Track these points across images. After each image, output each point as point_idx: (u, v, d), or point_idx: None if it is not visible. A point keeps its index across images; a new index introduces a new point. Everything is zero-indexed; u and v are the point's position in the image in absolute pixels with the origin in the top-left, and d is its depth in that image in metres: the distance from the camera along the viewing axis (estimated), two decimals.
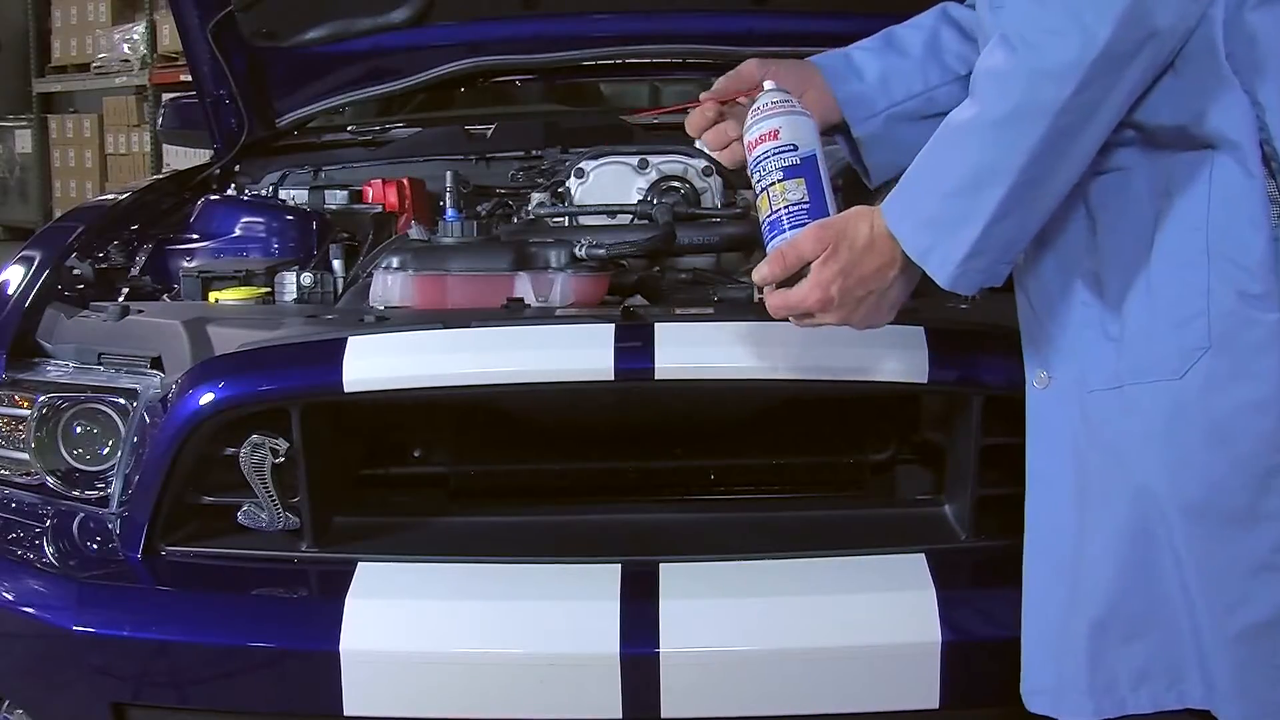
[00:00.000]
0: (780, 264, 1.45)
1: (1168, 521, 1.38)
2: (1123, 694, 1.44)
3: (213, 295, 2.22)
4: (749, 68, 1.65)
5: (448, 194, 2.32)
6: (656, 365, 1.75)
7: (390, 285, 2.02)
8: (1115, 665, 1.43)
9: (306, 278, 2.20)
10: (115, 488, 1.97)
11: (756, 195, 1.54)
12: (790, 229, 1.48)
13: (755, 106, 1.55)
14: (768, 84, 1.58)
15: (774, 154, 1.51)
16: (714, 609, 1.72)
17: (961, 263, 1.38)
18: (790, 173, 1.50)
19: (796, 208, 1.49)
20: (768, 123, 1.53)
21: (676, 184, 2.37)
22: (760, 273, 1.48)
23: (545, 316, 1.95)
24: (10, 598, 1.87)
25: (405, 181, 2.64)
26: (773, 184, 1.50)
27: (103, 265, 2.35)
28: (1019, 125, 1.32)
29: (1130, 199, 1.40)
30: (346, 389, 1.78)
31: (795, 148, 1.51)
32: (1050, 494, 1.49)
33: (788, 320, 1.50)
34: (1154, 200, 1.39)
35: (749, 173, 1.55)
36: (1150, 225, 1.39)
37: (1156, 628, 1.41)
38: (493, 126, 3.11)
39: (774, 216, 1.50)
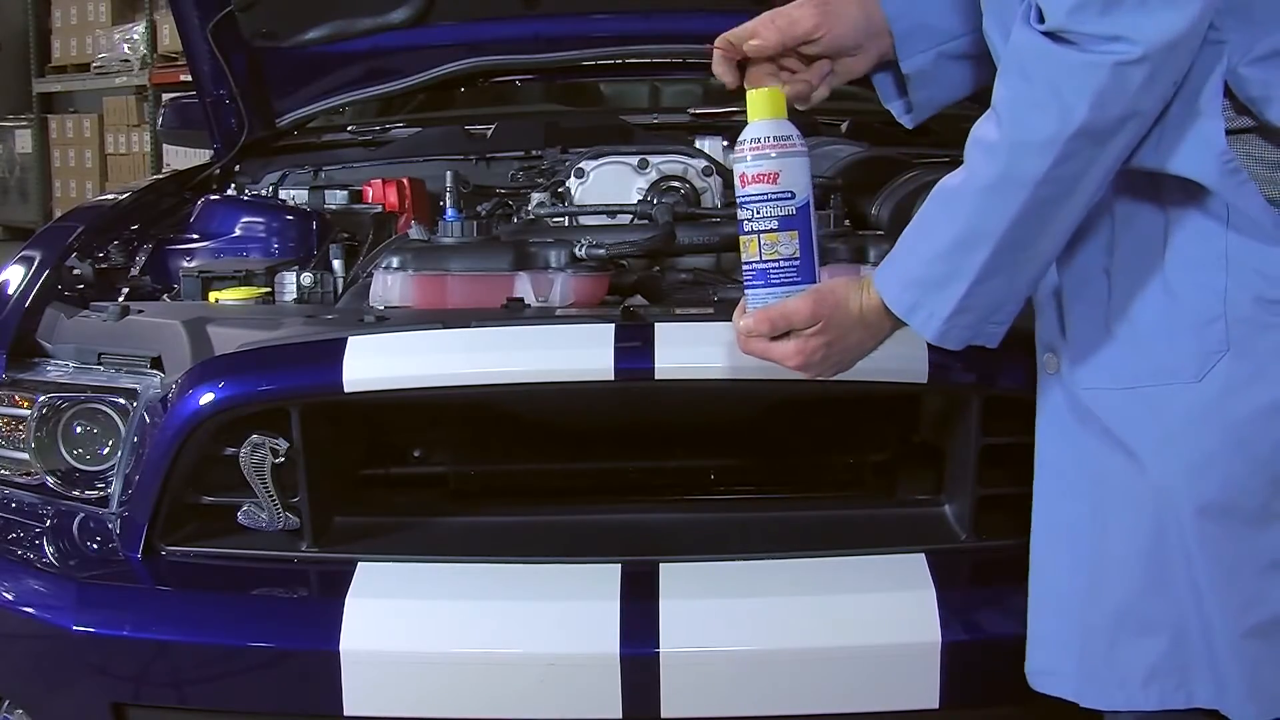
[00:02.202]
0: (768, 326, 1.48)
1: (1181, 522, 1.39)
2: (1133, 689, 1.45)
3: (213, 295, 2.22)
4: (807, 19, 1.57)
5: (448, 194, 2.32)
6: (656, 365, 1.75)
7: (390, 285, 2.02)
8: (1129, 660, 1.44)
9: (306, 278, 2.20)
10: (115, 488, 1.97)
11: (742, 231, 1.52)
12: (778, 286, 1.49)
13: (754, 137, 1.51)
14: (758, 120, 1.52)
15: (769, 200, 1.49)
16: (714, 609, 1.72)
17: (947, 319, 1.42)
18: (785, 224, 1.49)
19: (787, 263, 1.49)
20: (766, 164, 1.49)
21: (676, 184, 2.37)
22: (745, 324, 1.50)
23: (545, 316, 1.95)
24: (10, 598, 1.87)
25: (405, 181, 2.64)
26: (764, 231, 1.50)
27: (103, 265, 2.34)
28: (1002, 193, 1.35)
29: (1146, 202, 1.41)
30: (346, 389, 1.78)
31: (792, 195, 1.49)
32: (1059, 482, 1.50)
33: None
34: (1170, 207, 1.39)
35: (737, 202, 1.52)
36: (1168, 229, 1.39)
37: (1167, 627, 1.42)
38: (493, 126, 3.11)
39: (761, 267, 1.50)
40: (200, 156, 3.38)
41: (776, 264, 1.49)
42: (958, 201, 1.39)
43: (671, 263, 2.21)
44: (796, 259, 1.49)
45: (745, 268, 1.52)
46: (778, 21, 1.57)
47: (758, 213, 1.50)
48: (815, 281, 1.50)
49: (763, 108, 1.53)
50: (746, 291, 1.52)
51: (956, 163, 1.42)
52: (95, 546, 1.96)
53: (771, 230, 1.49)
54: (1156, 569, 1.41)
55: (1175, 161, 1.36)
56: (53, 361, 2.09)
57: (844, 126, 2.97)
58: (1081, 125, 1.30)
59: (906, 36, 1.62)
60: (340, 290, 2.23)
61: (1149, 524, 1.41)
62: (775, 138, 1.50)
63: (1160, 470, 1.40)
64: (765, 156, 1.50)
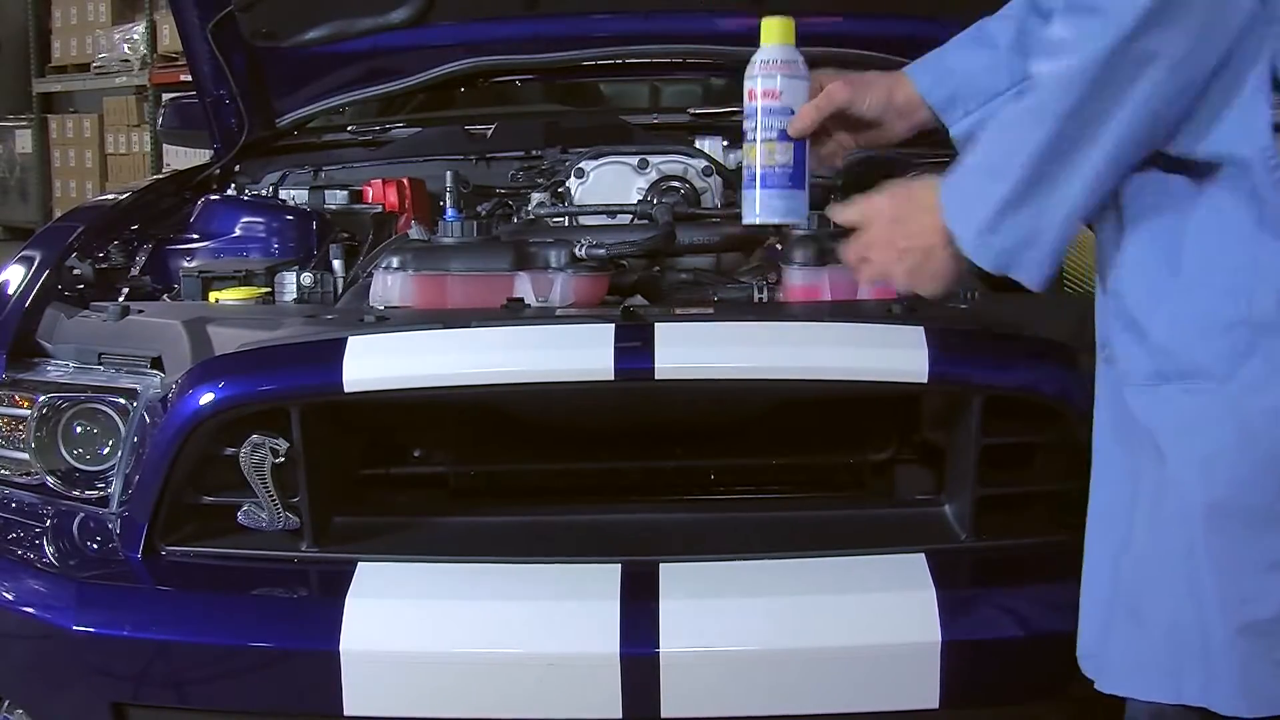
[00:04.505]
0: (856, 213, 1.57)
1: (1190, 517, 1.40)
2: (1129, 676, 1.47)
3: (213, 295, 2.22)
4: (839, 91, 1.71)
5: (448, 194, 2.32)
6: (656, 365, 1.75)
7: (390, 285, 2.02)
8: (1126, 648, 1.47)
9: (306, 278, 2.20)
10: (115, 488, 1.97)
11: (746, 140, 1.70)
12: (773, 188, 1.69)
13: (764, 59, 1.69)
14: (769, 45, 1.70)
15: (772, 113, 1.69)
16: (714, 609, 1.72)
17: (977, 235, 1.44)
18: (783, 136, 1.69)
19: (782, 170, 1.70)
20: (773, 81, 1.69)
21: (676, 184, 2.37)
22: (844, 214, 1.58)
23: (545, 316, 1.94)
24: (10, 598, 1.87)
25: (405, 181, 2.64)
26: (764, 140, 1.69)
27: (103, 265, 2.34)
28: (1032, 121, 1.39)
29: (1178, 201, 1.41)
30: (346, 389, 1.78)
31: (791, 112, 1.69)
32: (1104, 471, 1.53)
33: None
34: (1203, 207, 1.40)
35: (744, 115, 1.71)
36: (1200, 229, 1.40)
37: (1162, 620, 1.44)
38: (493, 126, 3.10)
39: (759, 171, 1.70)
40: (200, 156, 3.37)
41: (772, 169, 1.70)
42: (1006, 128, 1.44)
43: (671, 263, 2.21)
44: (790, 167, 1.69)
45: (745, 172, 1.72)
46: (820, 104, 1.70)
47: (761, 123, 1.70)
48: (805, 191, 1.70)
49: (775, 33, 1.71)
50: (743, 193, 1.72)
51: None
52: (95, 546, 1.96)
53: (770, 139, 1.69)
54: (1161, 561, 1.43)
55: (1216, 147, 1.36)
56: (53, 361, 2.09)
57: None
58: (1103, 60, 1.31)
59: (948, 105, 1.68)
60: (340, 290, 2.23)
61: (1164, 517, 1.42)
62: (783, 61, 1.70)
63: (1176, 465, 1.41)
64: (772, 76, 1.69)
